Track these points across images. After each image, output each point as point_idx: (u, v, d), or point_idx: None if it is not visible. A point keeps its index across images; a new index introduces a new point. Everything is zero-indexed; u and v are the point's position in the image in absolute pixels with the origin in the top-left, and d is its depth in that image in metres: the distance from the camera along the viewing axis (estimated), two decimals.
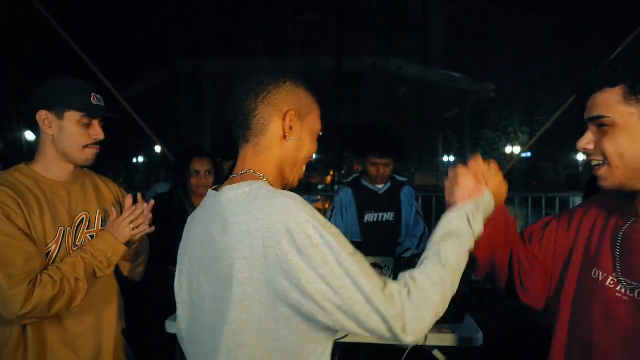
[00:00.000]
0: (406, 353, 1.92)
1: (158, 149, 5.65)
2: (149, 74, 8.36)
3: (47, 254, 1.32)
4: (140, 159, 16.23)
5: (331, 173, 11.83)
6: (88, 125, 1.38)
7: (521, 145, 8.17)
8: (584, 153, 0.97)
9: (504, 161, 9.07)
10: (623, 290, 0.95)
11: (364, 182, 2.72)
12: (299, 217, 0.78)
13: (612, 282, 0.97)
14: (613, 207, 1.06)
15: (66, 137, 1.37)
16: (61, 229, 1.37)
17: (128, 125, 5.80)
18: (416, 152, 11.10)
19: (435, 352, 2.04)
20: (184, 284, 0.97)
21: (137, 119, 5.54)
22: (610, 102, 0.92)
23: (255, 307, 0.79)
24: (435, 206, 5.85)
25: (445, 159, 14.87)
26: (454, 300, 1.92)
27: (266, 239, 0.77)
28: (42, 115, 1.35)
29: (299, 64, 8.02)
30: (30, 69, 7.61)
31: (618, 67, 0.93)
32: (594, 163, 0.95)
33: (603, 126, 0.92)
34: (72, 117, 1.36)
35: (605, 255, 1.00)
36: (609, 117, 0.91)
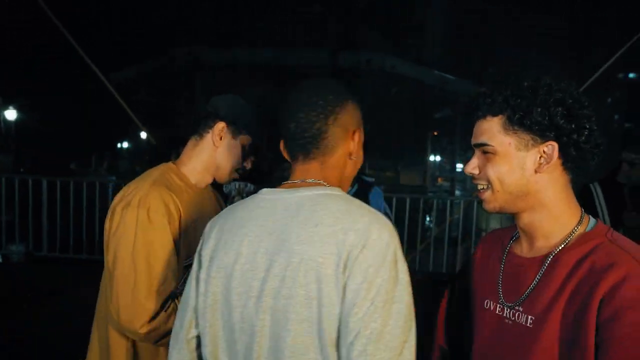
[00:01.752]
0: None
1: (144, 135, 5.57)
2: (143, 60, 8.23)
3: (188, 265, 1.22)
4: (125, 145, 15.99)
5: None
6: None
7: None
8: (470, 176, 1.03)
9: None
10: (508, 314, 0.99)
11: None
12: (395, 242, 0.83)
13: (499, 309, 1.01)
14: (502, 235, 1.13)
15: (230, 154, 1.36)
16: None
17: (114, 109, 5.72)
18: (404, 151, 11.14)
19: None
20: (214, 286, 0.88)
21: (122, 103, 5.45)
22: (492, 130, 0.97)
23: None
24: (422, 208, 5.89)
25: (432, 158, 14.96)
26: None
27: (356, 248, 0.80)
28: (220, 127, 1.33)
29: (295, 57, 7.97)
30: (14, 48, 7.41)
31: (499, 97, 0.97)
32: (479, 187, 1.00)
33: (487, 153, 0.98)
34: (244, 140, 1.36)
35: (493, 283, 1.05)
36: (491, 145, 0.97)
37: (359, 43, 8.24)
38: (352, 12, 8.05)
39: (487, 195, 0.99)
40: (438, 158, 14.94)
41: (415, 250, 5.67)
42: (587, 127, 0.94)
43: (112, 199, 1.28)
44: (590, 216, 1.00)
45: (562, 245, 0.96)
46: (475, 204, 6.00)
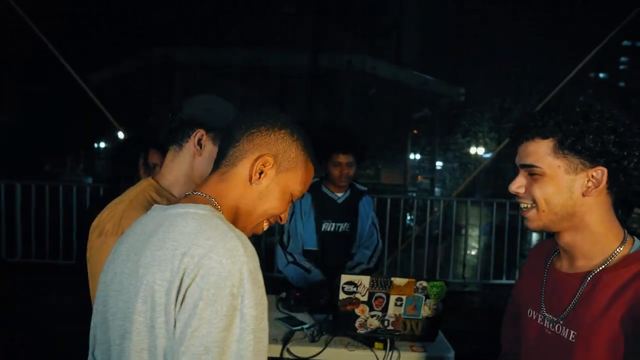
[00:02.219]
0: None
1: (121, 135, 5.52)
2: (119, 60, 8.09)
3: None
4: (103, 145, 15.70)
5: None
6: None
7: (489, 149, 8.38)
8: (514, 195, 1.06)
9: (471, 165, 9.29)
10: (549, 326, 1.06)
11: (324, 189, 2.69)
12: (240, 271, 0.71)
13: (540, 319, 1.08)
14: (549, 247, 1.18)
15: (212, 162, 1.30)
16: None
17: (90, 109, 5.61)
18: (384, 150, 11.20)
19: None
20: (97, 304, 0.86)
21: (97, 103, 5.36)
22: (540, 152, 1.01)
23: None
24: (402, 208, 5.94)
25: (412, 156, 15.13)
26: (427, 318, 1.95)
27: (190, 268, 0.71)
28: (199, 135, 1.26)
29: (275, 58, 7.93)
30: None
31: (550, 120, 1.01)
32: (522, 205, 1.05)
33: (534, 174, 1.01)
34: None
35: (536, 294, 1.12)
36: (539, 167, 1.01)
37: (338, 44, 8.25)
38: (327, 13, 8.05)
39: (531, 214, 1.03)
40: (418, 157, 15.12)
41: (397, 251, 5.72)
42: (638, 154, 0.97)
43: (90, 201, 1.26)
44: (637, 238, 1.04)
45: (603, 266, 1.00)
46: (455, 202, 6.10)
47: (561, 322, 1.03)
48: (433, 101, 9.26)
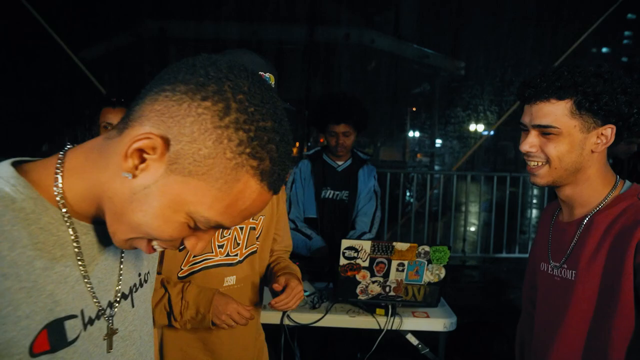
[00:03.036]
0: (380, 337, 1.90)
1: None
2: (111, 35, 7.92)
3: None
4: None
5: (297, 144, 11.74)
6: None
7: (489, 123, 8.29)
8: (523, 154, 1.11)
9: (472, 139, 9.19)
10: (556, 272, 1.12)
11: (325, 157, 2.65)
12: None
13: (550, 269, 1.15)
14: (555, 205, 1.24)
15: None
16: None
17: (85, 87, 5.52)
18: (383, 127, 11.10)
19: (409, 337, 2.03)
20: None
21: (94, 81, 5.28)
22: (557, 113, 1.04)
23: None
24: (402, 182, 5.90)
25: (411, 134, 15.00)
26: (430, 284, 1.91)
27: None
28: None
29: (271, 31, 7.76)
30: None
31: (567, 81, 1.03)
32: (532, 163, 1.09)
33: (548, 134, 1.05)
34: None
35: (544, 247, 1.19)
36: (556, 128, 1.04)
37: (336, 17, 8.07)
38: None
39: (542, 171, 1.08)
40: (417, 134, 14.99)
41: (396, 226, 5.69)
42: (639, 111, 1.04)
43: None
44: (627, 180, 1.11)
45: (597, 209, 1.08)
46: (455, 177, 6.05)
47: (565, 265, 1.11)
48: (433, 75, 9.11)
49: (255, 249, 1.48)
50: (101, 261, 0.70)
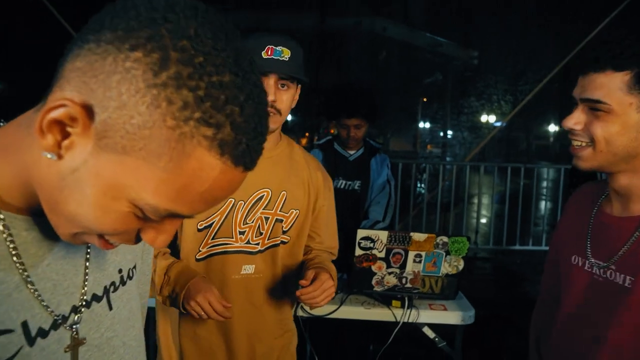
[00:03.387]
0: (396, 330, 1.84)
1: None
2: None
3: (210, 225, 1.30)
4: None
5: (307, 135, 11.68)
6: None
7: (503, 114, 8.15)
8: (568, 132, 0.96)
9: (484, 130, 9.07)
10: (598, 272, 0.98)
11: (336, 147, 2.59)
12: None
13: (588, 265, 1.00)
14: (594, 191, 1.09)
15: None
16: (230, 201, 1.30)
17: None
18: (394, 117, 10.99)
19: (425, 329, 1.98)
20: None
21: None
22: (611, 86, 0.89)
23: None
24: (414, 173, 5.82)
25: (422, 125, 14.85)
26: (448, 276, 1.84)
27: None
28: None
29: (281, 20, 7.69)
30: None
31: (628, 50, 0.88)
32: (576, 143, 0.94)
33: (597, 110, 0.90)
34: None
35: (581, 239, 1.03)
36: (607, 104, 0.88)
37: (347, 5, 7.96)
38: None
39: (586, 153, 0.94)
40: (428, 125, 14.84)
41: (408, 217, 5.63)
42: None
43: None
44: None
45: None
46: (468, 169, 5.95)
47: (612, 267, 0.95)
48: (445, 65, 8.98)
49: (279, 241, 1.40)
50: (53, 260, 0.56)
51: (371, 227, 2.41)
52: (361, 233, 1.79)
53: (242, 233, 1.33)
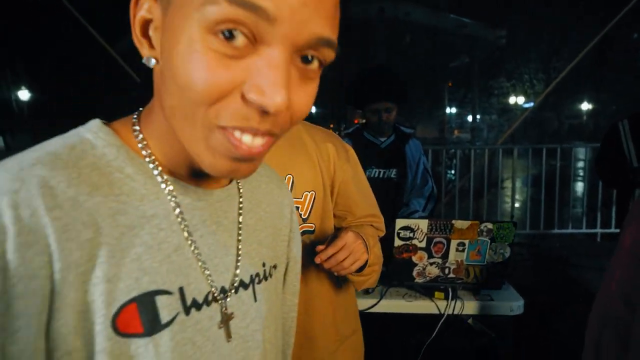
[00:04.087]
0: (440, 322, 1.77)
1: None
2: None
3: None
4: None
5: (331, 126, 11.61)
6: None
7: (535, 93, 7.86)
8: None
9: (515, 111, 8.79)
10: None
11: (366, 134, 2.51)
12: None
13: None
14: None
15: None
16: None
17: (121, 79, 5.56)
18: (420, 103, 10.78)
19: (470, 321, 1.90)
20: None
21: (131, 72, 5.30)
22: None
23: None
24: (444, 159, 5.67)
25: (449, 110, 14.53)
26: (493, 264, 1.72)
27: None
28: None
29: None
30: (14, 20, 7.24)
31: None
32: None
33: None
34: None
35: None
36: None
37: None
38: None
39: None
40: (454, 110, 14.50)
41: (440, 203, 5.50)
42: None
43: None
44: None
45: None
46: (500, 152, 5.76)
47: None
48: (471, 46, 8.71)
49: (302, 232, 1.21)
50: (206, 233, 0.55)
51: (409, 216, 2.34)
52: (400, 223, 1.71)
53: None
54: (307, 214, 1.24)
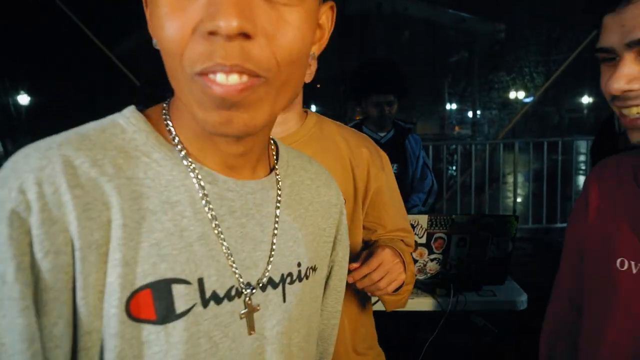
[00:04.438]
0: (443, 319, 1.75)
1: None
2: (141, 27, 7.96)
3: None
4: None
5: None
6: None
7: (535, 87, 7.81)
8: (616, 98, 0.68)
9: (516, 105, 8.74)
10: None
11: (365, 129, 2.50)
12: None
13: None
14: (628, 167, 0.80)
15: None
16: None
17: (120, 83, 5.56)
18: (420, 100, 10.75)
19: (474, 317, 1.87)
20: None
21: (129, 75, 5.30)
22: None
23: None
24: (445, 155, 5.64)
25: (448, 106, 14.50)
26: (495, 259, 1.69)
27: None
28: None
29: None
30: (11, 24, 7.25)
31: None
32: (634, 110, 0.67)
33: None
34: None
35: (629, 235, 0.76)
36: None
37: None
38: None
39: None
40: (455, 106, 14.47)
41: (442, 200, 5.48)
42: None
43: None
44: None
45: None
46: (501, 147, 5.72)
47: None
48: (470, 41, 8.67)
49: None
50: (234, 226, 0.53)
51: (408, 211, 2.32)
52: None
53: None
54: None
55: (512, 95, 11.66)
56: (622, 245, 0.77)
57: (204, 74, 0.43)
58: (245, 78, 0.43)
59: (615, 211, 0.80)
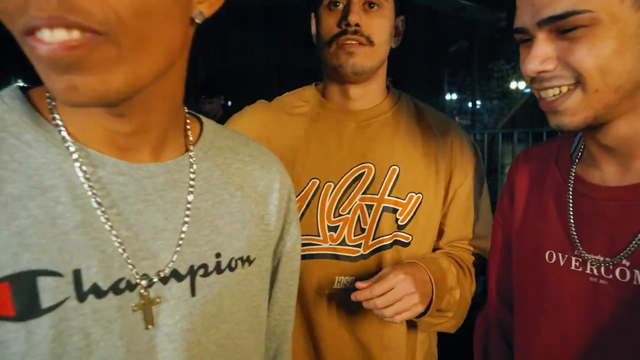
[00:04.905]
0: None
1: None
2: None
3: None
4: None
5: None
6: (336, 5, 0.94)
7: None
8: (533, 80, 0.65)
9: (516, 94, 8.69)
10: (599, 273, 0.66)
11: None
12: None
13: (579, 264, 0.69)
14: (549, 155, 0.78)
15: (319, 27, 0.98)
16: (315, 182, 0.92)
17: None
18: (419, 91, 10.67)
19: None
20: None
21: None
22: None
23: None
24: None
25: (448, 97, 14.42)
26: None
27: None
28: None
29: None
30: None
31: None
32: (550, 92, 0.63)
33: (572, 30, 0.59)
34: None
35: (557, 225, 0.73)
36: (588, 12, 0.57)
37: None
38: None
39: (574, 101, 0.61)
40: (455, 96, 14.39)
41: None
42: None
43: None
44: None
45: None
46: (500, 137, 5.65)
47: (625, 263, 0.64)
48: (470, 30, 8.57)
49: (392, 241, 0.95)
50: (127, 213, 0.48)
51: None
52: None
53: (333, 229, 0.93)
54: (406, 221, 0.95)
55: (513, 85, 11.57)
56: (548, 236, 0.73)
57: (30, 33, 0.37)
58: (76, 34, 0.37)
59: (540, 201, 0.76)
